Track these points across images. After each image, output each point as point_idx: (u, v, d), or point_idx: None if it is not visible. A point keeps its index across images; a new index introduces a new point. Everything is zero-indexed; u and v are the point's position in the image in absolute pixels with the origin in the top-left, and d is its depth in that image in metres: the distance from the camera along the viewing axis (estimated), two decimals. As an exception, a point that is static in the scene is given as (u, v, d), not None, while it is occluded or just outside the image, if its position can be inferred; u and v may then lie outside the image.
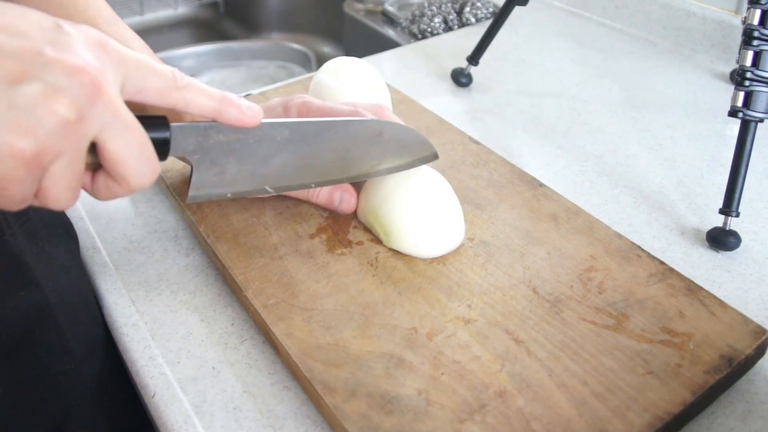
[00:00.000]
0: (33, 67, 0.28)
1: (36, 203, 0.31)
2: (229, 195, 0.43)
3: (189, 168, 0.53)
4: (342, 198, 0.50)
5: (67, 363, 0.47)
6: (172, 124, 0.37)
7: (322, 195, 0.50)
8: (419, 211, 0.46)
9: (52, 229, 0.47)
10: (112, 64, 0.31)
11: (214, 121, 0.38)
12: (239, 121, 0.37)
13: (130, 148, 0.32)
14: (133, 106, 0.34)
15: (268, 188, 0.44)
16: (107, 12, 0.49)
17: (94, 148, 0.32)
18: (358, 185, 0.51)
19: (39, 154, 0.28)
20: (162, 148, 0.36)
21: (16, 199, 0.29)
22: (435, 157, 0.49)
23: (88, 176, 0.34)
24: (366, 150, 0.46)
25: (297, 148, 0.43)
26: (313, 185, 0.46)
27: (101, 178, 0.33)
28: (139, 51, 0.47)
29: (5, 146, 0.27)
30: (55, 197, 0.30)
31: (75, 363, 0.47)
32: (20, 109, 0.27)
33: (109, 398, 0.51)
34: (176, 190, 0.54)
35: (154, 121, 0.36)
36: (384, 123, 0.47)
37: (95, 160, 0.33)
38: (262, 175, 0.43)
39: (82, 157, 0.31)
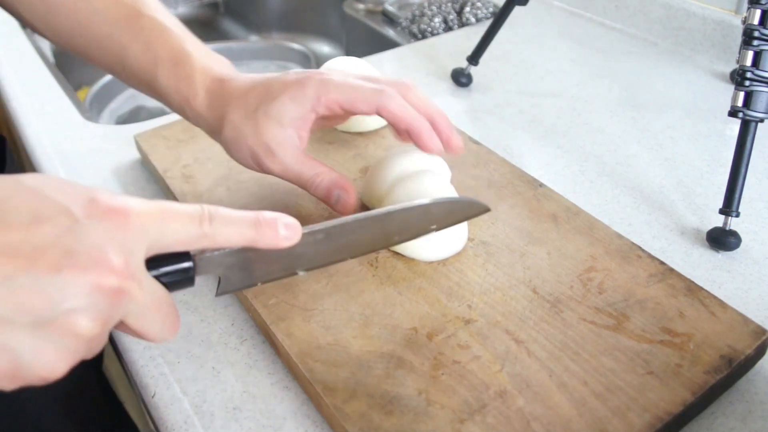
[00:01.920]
0: (53, 292, 0.26)
1: None
2: (258, 284, 0.40)
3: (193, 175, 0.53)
4: (339, 197, 0.47)
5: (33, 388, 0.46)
6: (197, 258, 0.35)
7: (319, 189, 0.47)
8: None
9: None
10: (134, 241, 0.29)
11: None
12: (277, 246, 0.35)
13: (153, 323, 0.31)
14: None
15: (299, 272, 0.41)
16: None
17: None
18: (357, 187, 0.51)
19: (75, 362, 0.28)
20: (186, 281, 0.35)
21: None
22: (487, 210, 0.45)
23: None
24: (410, 226, 0.43)
25: (332, 242, 0.40)
26: (348, 258, 0.42)
27: (122, 327, 0.32)
28: (182, 38, 0.47)
29: (37, 378, 0.27)
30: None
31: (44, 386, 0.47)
32: (48, 342, 0.27)
33: (80, 413, 0.51)
34: (176, 191, 0.54)
35: (177, 259, 0.34)
36: (431, 203, 0.43)
37: None
38: (294, 264, 0.40)
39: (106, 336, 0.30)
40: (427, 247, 0.46)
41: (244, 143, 0.45)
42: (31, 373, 0.27)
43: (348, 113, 0.46)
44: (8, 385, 0.27)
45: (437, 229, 0.43)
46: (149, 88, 0.48)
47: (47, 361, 0.27)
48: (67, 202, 0.28)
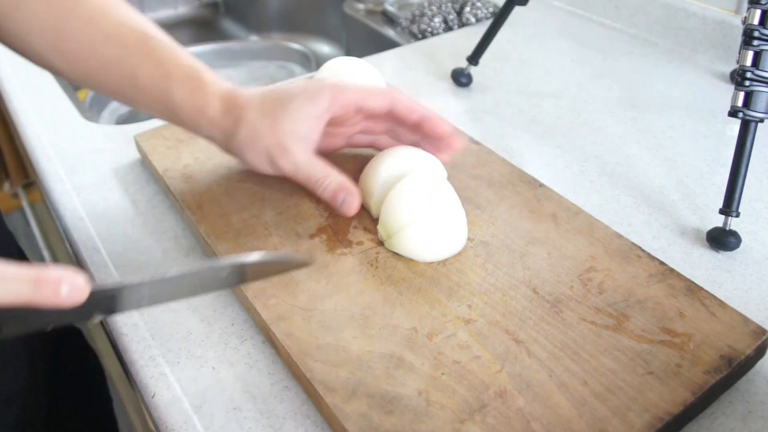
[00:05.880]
0: None
1: None
2: (50, 327, 0.34)
3: (191, 165, 0.53)
4: (345, 200, 0.48)
5: None
6: None
7: (327, 191, 0.49)
8: (423, 215, 0.46)
9: None
10: None
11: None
12: (56, 307, 0.31)
13: None
14: None
15: (97, 317, 0.35)
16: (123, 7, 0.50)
17: None
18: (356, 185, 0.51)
19: None
20: None
21: None
22: (306, 264, 0.44)
23: None
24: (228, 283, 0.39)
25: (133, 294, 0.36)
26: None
27: None
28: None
29: None
30: None
31: None
32: None
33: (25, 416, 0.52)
34: (176, 191, 0.54)
35: None
36: (245, 264, 0.39)
37: None
38: (92, 311, 0.35)
39: None
40: (429, 248, 0.46)
41: (260, 142, 0.48)
42: None
43: (360, 111, 0.49)
44: None
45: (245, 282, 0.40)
46: (161, 104, 0.49)
47: None
48: None
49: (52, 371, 0.60)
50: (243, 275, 0.39)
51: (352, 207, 0.49)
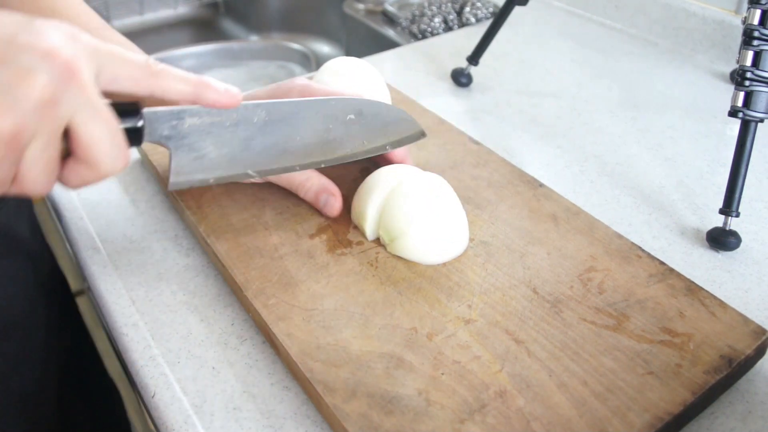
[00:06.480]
0: (7, 51, 0.29)
1: (14, 190, 0.32)
2: (211, 180, 0.43)
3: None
4: (327, 201, 0.49)
5: None
6: (145, 110, 0.38)
7: (309, 193, 0.50)
8: (425, 219, 0.46)
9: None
10: (85, 54, 0.32)
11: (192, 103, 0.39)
12: (218, 102, 0.38)
13: (102, 134, 0.33)
14: (109, 95, 0.35)
15: (250, 172, 0.44)
16: (96, 21, 0.50)
17: (66, 135, 0.34)
18: (353, 188, 0.51)
19: (17, 133, 0.29)
20: (135, 135, 0.37)
21: None
22: (422, 134, 0.49)
23: (59, 164, 0.35)
24: (347, 129, 0.47)
25: (276, 129, 0.44)
26: (297, 168, 0.46)
27: (71, 164, 0.34)
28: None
29: None
30: (32, 181, 0.31)
31: None
32: None
33: (36, 416, 0.52)
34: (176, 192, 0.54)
35: (126, 108, 0.37)
36: (364, 101, 0.47)
37: (66, 146, 0.34)
38: (243, 159, 0.44)
39: (57, 138, 0.32)
40: (432, 252, 0.46)
41: None
42: None
43: None
44: None
45: (380, 151, 0.49)
46: None
47: None
48: (20, 14, 0.31)
49: (64, 369, 0.60)
50: (367, 123, 0.48)
51: (334, 208, 0.49)
